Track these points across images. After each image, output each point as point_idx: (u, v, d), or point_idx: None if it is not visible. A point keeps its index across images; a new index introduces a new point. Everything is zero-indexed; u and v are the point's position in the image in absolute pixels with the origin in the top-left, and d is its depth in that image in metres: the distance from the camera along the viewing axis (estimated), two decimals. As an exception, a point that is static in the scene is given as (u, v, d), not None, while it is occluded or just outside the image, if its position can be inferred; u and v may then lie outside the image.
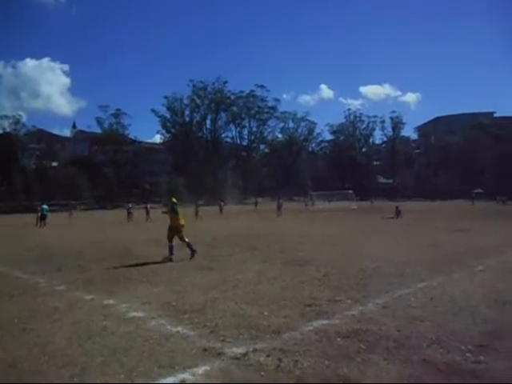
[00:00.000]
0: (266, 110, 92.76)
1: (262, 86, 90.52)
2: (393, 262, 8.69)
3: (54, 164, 74.19)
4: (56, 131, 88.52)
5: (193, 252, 10.00)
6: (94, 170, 71.25)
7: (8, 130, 69.24)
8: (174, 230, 10.12)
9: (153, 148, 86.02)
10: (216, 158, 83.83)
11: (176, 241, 10.17)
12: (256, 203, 49.66)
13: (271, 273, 7.91)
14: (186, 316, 5.06)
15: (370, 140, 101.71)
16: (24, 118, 73.12)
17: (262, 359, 3.66)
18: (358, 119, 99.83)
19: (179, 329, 4.59)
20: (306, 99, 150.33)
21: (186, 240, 10.12)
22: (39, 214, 27.72)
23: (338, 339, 4.14)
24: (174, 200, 10.45)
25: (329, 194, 51.93)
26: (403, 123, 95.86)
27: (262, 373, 3.39)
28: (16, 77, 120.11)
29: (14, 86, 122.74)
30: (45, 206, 28.10)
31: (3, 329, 4.72)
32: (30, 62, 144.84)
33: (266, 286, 6.74)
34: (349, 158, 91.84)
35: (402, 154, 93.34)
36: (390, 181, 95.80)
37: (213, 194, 69.54)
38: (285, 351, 3.83)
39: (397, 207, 26.24)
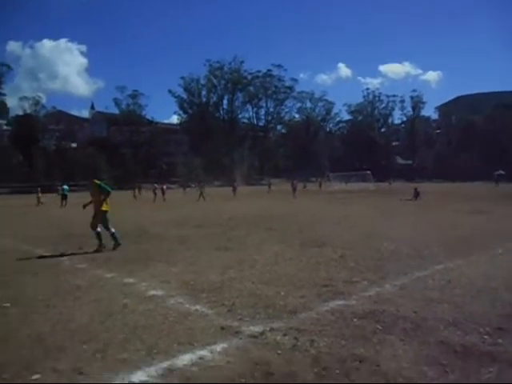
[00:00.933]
0: (283, 90, 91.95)
1: (279, 66, 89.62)
2: (411, 243, 8.63)
3: (73, 145, 75.35)
4: (74, 112, 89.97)
5: (116, 244, 8.84)
6: (112, 151, 71.97)
7: (28, 111, 70.39)
8: (98, 217, 8.97)
9: (170, 129, 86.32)
10: (232, 138, 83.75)
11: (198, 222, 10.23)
12: (270, 184, 49.09)
13: (288, 254, 7.95)
14: (204, 295, 5.15)
15: (389, 120, 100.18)
16: (43, 100, 74.08)
17: (278, 338, 3.71)
18: (376, 99, 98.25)
19: (197, 307, 4.67)
20: (324, 78, 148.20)
21: (112, 230, 8.91)
22: (39, 195, 29.86)
23: (355, 320, 4.16)
24: (98, 182, 9.21)
25: (346, 175, 51.56)
26: (423, 102, 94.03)
27: (279, 351, 3.44)
28: (34, 58, 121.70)
29: (32, 67, 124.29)
30: (65, 187, 28.89)
31: (28, 305, 4.88)
32: (47, 43, 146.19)
33: (282, 267, 6.79)
34: (367, 139, 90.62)
35: (421, 134, 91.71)
36: (409, 162, 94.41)
37: (229, 175, 69.71)
38: (301, 331, 3.87)
39: (415, 189, 25.91)
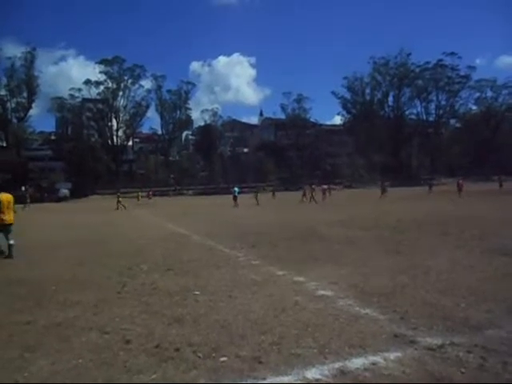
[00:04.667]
0: (457, 81, 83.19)
1: (451, 54, 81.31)
2: None
3: (245, 150, 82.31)
4: (244, 119, 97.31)
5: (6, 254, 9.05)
6: (279, 154, 75.96)
7: (208, 121, 79.82)
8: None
9: (333, 130, 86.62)
10: (399, 136, 79.55)
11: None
12: (431, 186, 44.89)
13: (467, 261, 7.17)
14: (375, 299, 5.02)
15: None
16: (220, 110, 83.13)
17: (461, 354, 3.37)
18: None
19: (368, 311, 4.58)
20: (508, 61, 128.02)
21: (9, 242, 9.06)
22: (119, 199, 32.40)
23: (561, 348, 3.50)
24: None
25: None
26: None
27: (462, 369, 3.12)
28: (211, 74, 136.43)
29: (210, 82, 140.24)
30: (236, 188, 31.92)
31: (214, 294, 5.51)
32: (222, 59, 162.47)
33: (461, 276, 6.15)
34: None
35: None
36: None
37: (396, 175, 66.46)
38: (489, 350, 3.43)
39: None
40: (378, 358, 3.38)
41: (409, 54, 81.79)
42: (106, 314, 4.85)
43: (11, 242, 9.10)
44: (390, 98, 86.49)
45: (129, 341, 3.93)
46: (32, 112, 70.95)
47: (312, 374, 3.16)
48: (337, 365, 3.29)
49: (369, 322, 4.26)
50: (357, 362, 3.32)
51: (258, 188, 38.72)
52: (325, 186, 36.98)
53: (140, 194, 46.41)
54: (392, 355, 3.43)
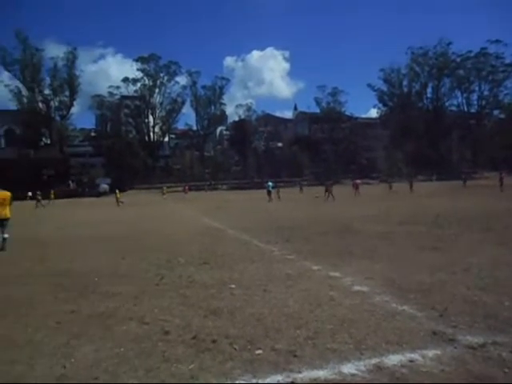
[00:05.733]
0: (501, 69, 79.48)
1: (496, 41, 77.65)
2: None
3: (279, 144, 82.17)
4: (278, 114, 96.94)
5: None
6: (314, 148, 75.36)
7: (242, 116, 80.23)
8: None
9: (368, 123, 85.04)
10: (438, 129, 76.99)
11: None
12: (465, 180, 43.51)
13: (511, 258, 6.90)
14: (412, 296, 4.92)
15: None
16: (253, 105, 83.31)
17: (504, 354, 3.26)
18: None
19: (405, 308, 4.50)
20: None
21: (4, 236, 9.76)
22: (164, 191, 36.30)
23: None
24: None
25: None
26: None
27: (506, 369, 3.02)
28: (245, 69, 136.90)
29: (244, 77, 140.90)
30: (270, 183, 31.91)
31: (249, 288, 5.57)
32: (255, 54, 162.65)
33: (505, 273, 5.92)
34: None
35: None
36: None
37: (435, 169, 64.48)
38: (534, 350, 3.31)
39: None
40: (415, 356, 3.32)
41: (449, 44, 79.02)
42: (146, 305, 5.00)
43: (5, 235, 9.81)
44: (429, 90, 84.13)
45: (167, 332, 4.04)
46: (73, 110, 74.00)
47: (348, 368, 3.14)
48: (373, 361, 3.26)
49: (406, 318, 4.18)
50: (394, 359, 3.28)
51: (293, 183, 38.65)
52: (358, 181, 36.53)
53: (166, 189, 48.63)
54: (430, 353, 3.36)
